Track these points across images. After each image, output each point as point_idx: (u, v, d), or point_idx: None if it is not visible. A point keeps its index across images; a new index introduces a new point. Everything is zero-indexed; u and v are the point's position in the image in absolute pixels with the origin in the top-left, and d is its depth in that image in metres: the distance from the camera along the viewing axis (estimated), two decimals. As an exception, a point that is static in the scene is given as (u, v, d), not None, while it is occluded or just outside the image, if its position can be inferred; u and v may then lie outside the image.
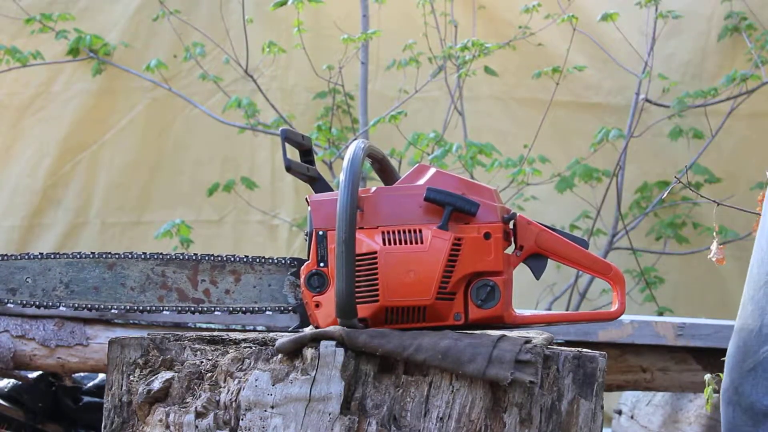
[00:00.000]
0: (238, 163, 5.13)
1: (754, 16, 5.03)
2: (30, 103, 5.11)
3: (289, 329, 2.20)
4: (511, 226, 2.07)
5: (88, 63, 5.05)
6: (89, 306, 2.20)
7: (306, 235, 2.07)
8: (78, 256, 2.21)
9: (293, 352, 1.92)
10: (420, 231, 2.01)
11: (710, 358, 3.32)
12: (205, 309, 2.22)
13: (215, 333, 2.06)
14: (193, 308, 2.22)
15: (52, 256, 2.21)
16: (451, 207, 2.00)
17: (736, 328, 2.24)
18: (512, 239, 2.08)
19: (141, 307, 2.21)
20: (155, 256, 2.22)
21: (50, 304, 2.20)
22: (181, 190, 5.13)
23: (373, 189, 2.04)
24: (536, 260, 2.09)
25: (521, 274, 2.18)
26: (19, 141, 5.11)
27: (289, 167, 2.07)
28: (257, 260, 2.23)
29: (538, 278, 2.10)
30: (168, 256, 2.22)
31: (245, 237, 5.15)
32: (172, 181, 5.14)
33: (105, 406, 2.02)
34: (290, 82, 5.16)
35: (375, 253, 1.99)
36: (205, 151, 5.15)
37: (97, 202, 5.12)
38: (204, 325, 3.15)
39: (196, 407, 1.93)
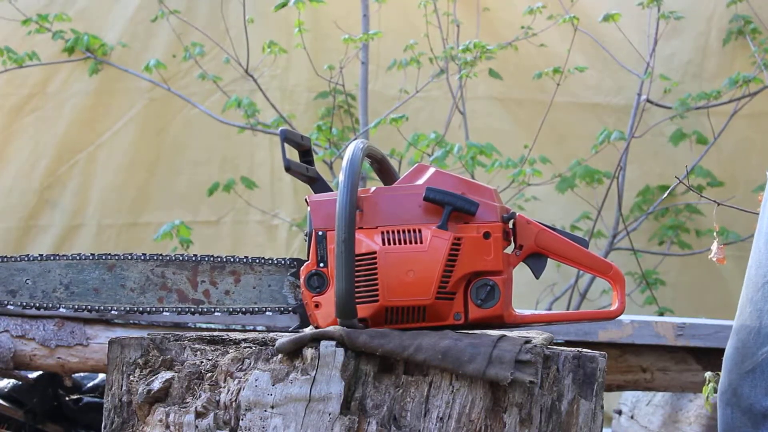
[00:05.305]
0: (236, 163, 5.12)
1: (758, 19, 5.03)
2: (25, 104, 5.08)
3: (289, 329, 2.20)
4: (510, 225, 2.07)
5: (84, 63, 5.04)
6: (89, 307, 2.20)
7: (306, 235, 2.07)
8: (78, 258, 2.22)
9: (293, 352, 1.92)
10: (419, 231, 2.01)
11: (710, 358, 3.32)
12: (205, 310, 2.22)
13: (215, 333, 2.06)
14: (192, 309, 2.22)
15: (52, 258, 2.21)
16: (451, 206, 2.00)
17: (734, 329, 2.24)
18: (512, 239, 2.08)
19: (141, 309, 2.21)
20: (155, 258, 2.22)
21: (50, 305, 2.20)
22: (178, 191, 5.12)
23: (373, 189, 2.04)
24: (536, 259, 2.09)
25: (521, 273, 2.18)
26: (15, 142, 5.08)
27: (289, 167, 2.07)
28: (257, 261, 2.23)
29: (537, 277, 2.10)
30: (168, 257, 2.22)
31: (244, 238, 5.14)
32: (170, 182, 5.12)
33: (105, 406, 2.02)
34: (290, 81, 5.16)
35: (374, 253, 1.99)
36: (203, 152, 5.14)
37: (94, 203, 5.09)
38: (204, 326, 3.15)
39: (196, 407, 1.93)
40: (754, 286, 2.20)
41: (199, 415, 1.93)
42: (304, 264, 2.04)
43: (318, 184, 2.11)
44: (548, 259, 2.10)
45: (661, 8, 4.74)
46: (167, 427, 1.94)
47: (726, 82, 4.76)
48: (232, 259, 2.23)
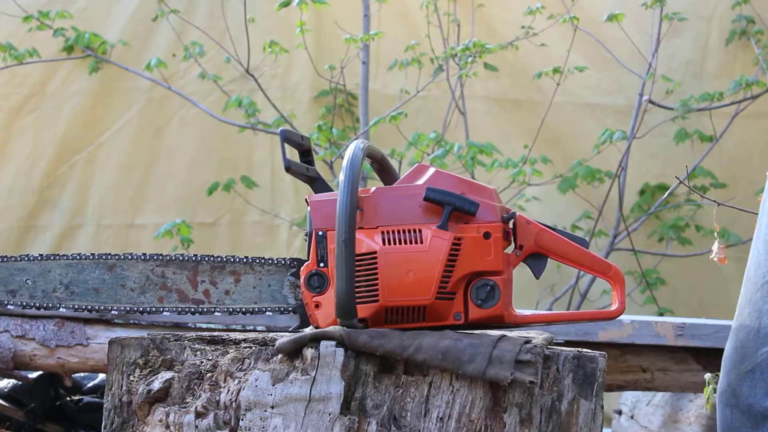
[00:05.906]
0: (235, 163, 5.11)
1: (761, 20, 5.02)
2: (25, 104, 5.07)
3: (289, 329, 2.20)
4: (510, 225, 2.07)
5: (84, 63, 5.03)
6: (89, 307, 2.20)
7: (306, 235, 2.07)
8: (78, 258, 2.21)
9: (293, 352, 1.92)
10: (420, 231, 2.01)
11: (710, 358, 3.32)
12: (205, 310, 2.22)
13: (215, 333, 2.06)
14: (193, 309, 2.22)
15: (52, 258, 2.21)
16: (451, 207, 2.00)
17: (733, 329, 2.24)
18: (512, 239, 2.08)
19: (141, 309, 2.21)
20: (155, 257, 2.22)
21: (50, 305, 2.20)
22: (177, 192, 5.11)
23: (373, 189, 2.04)
24: (536, 259, 2.09)
25: (521, 273, 2.18)
26: (15, 142, 5.06)
27: (289, 167, 2.07)
28: (257, 261, 2.23)
29: (538, 277, 2.10)
30: (168, 257, 2.22)
31: (244, 238, 5.13)
32: (168, 182, 5.11)
33: (105, 406, 2.02)
34: (291, 81, 5.16)
35: (375, 253, 1.99)
36: (202, 152, 5.13)
37: (93, 203, 5.08)
38: (204, 326, 3.15)
39: (196, 407, 1.93)
40: (753, 287, 2.20)
41: (199, 415, 1.93)
42: (304, 264, 2.04)
43: (318, 184, 2.11)
44: (548, 259, 2.10)
45: (664, 9, 4.73)
46: (167, 427, 1.94)
47: (732, 85, 4.74)
48: (232, 259, 2.23)
